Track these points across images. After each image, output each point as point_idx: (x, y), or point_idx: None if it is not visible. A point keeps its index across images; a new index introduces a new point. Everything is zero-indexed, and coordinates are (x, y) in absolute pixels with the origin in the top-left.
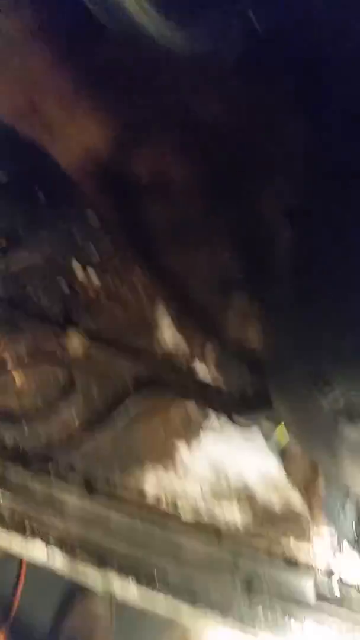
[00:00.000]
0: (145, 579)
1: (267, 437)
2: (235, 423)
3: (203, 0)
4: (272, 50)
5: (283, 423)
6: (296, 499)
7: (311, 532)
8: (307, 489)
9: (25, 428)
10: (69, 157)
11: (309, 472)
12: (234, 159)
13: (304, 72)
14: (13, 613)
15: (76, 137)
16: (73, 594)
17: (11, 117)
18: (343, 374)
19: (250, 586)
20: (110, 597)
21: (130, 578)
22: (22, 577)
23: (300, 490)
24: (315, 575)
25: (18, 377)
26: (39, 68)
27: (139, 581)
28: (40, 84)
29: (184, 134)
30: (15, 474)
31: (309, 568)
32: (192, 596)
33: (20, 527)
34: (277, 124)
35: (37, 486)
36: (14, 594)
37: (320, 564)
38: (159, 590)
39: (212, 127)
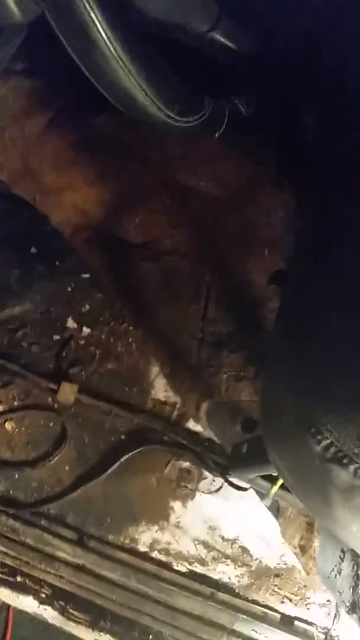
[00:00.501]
0: None
1: (263, 496)
2: (231, 485)
3: (203, 97)
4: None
5: (279, 481)
6: (292, 560)
7: (307, 596)
8: (302, 551)
9: (16, 475)
10: (62, 217)
11: (304, 533)
12: (223, 227)
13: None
14: None
15: (69, 199)
16: None
17: (7, 178)
18: (333, 421)
19: None
20: None
21: None
22: (10, 630)
23: (295, 552)
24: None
25: (9, 425)
26: (35, 133)
27: None
28: (36, 148)
29: (175, 202)
30: (7, 521)
31: (306, 633)
32: None
33: (11, 580)
34: (263, 196)
35: (29, 539)
36: None
37: (318, 629)
38: None
39: (203, 198)
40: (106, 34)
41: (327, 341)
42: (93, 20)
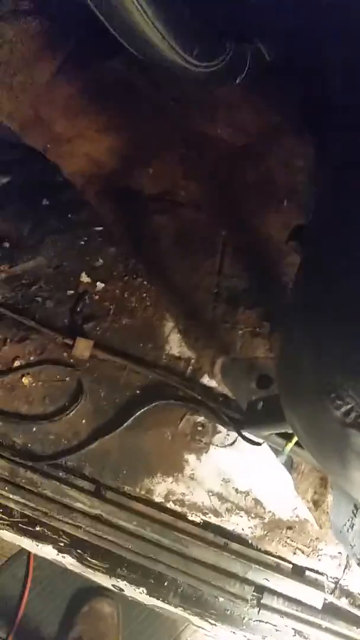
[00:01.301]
0: (157, 591)
1: (277, 452)
2: (245, 440)
3: (224, 40)
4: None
5: (293, 438)
6: (305, 514)
7: (319, 548)
8: (315, 505)
9: (34, 429)
10: (73, 167)
11: (318, 488)
12: (240, 178)
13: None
14: (19, 618)
15: (81, 148)
16: (80, 595)
17: (17, 127)
18: (355, 387)
19: (259, 598)
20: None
21: (141, 589)
22: (29, 581)
23: (309, 506)
24: (324, 590)
25: (26, 380)
26: (45, 78)
27: (150, 593)
28: (46, 94)
29: (190, 151)
30: (25, 473)
31: (317, 582)
32: (202, 608)
33: (31, 529)
34: (282, 145)
35: (47, 490)
36: (20, 599)
37: (329, 579)
38: (170, 603)
39: (220, 147)
40: None
41: (350, 304)
42: None
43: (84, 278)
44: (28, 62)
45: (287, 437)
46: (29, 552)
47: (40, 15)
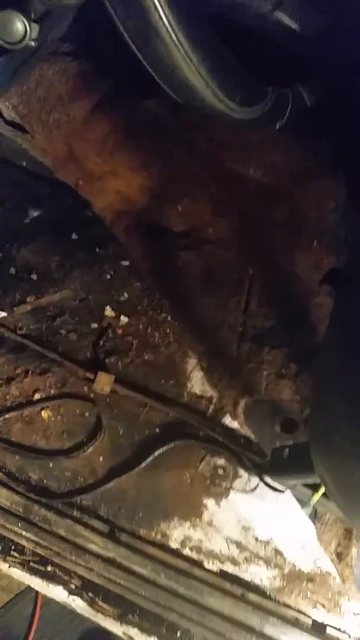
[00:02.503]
0: None
1: (302, 502)
2: (268, 486)
3: (266, 85)
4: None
5: (321, 489)
6: (327, 566)
7: (341, 603)
8: (339, 557)
9: (51, 464)
10: (104, 203)
11: (342, 540)
12: (269, 217)
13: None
14: None
15: (112, 185)
16: (87, 638)
17: (50, 163)
18: None
19: None
20: None
21: (152, 638)
22: (36, 620)
23: (331, 558)
24: None
25: (45, 413)
26: (80, 117)
27: None
28: (81, 132)
29: (221, 190)
30: (39, 510)
31: None
32: None
33: (42, 569)
34: (314, 187)
35: (61, 529)
36: (26, 638)
37: (352, 639)
38: None
39: (250, 186)
40: (168, 20)
41: None
42: (155, 5)
43: (109, 312)
44: (64, 100)
45: (314, 487)
46: (37, 590)
47: (80, 56)
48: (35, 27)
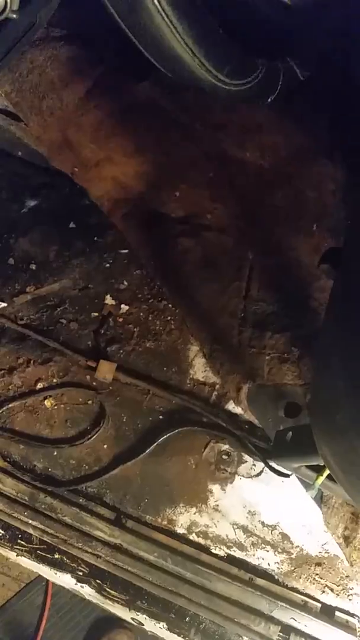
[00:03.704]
0: (178, 626)
1: (307, 485)
2: (272, 471)
3: (256, 58)
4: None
5: (325, 471)
6: (335, 550)
7: (349, 587)
8: (346, 541)
9: (55, 453)
10: (101, 190)
11: (349, 523)
12: (268, 201)
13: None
14: None
15: (108, 172)
16: (98, 625)
17: (45, 151)
18: None
19: (286, 639)
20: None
21: (161, 624)
22: (47, 609)
23: (339, 542)
24: (356, 634)
25: (49, 402)
26: (73, 103)
27: (170, 629)
28: (74, 119)
29: (218, 174)
30: (45, 499)
31: (348, 624)
32: None
33: (50, 557)
34: (312, 169)
35: (67, 517)
36: (37, 627)
37: None
38: None
39: (248, 170)
40: None
41: None
42: None
43: (109, 300)
44: (57, 86)
45: (318, 469)
46: (48, 579)
47: (71, 41)
48: None
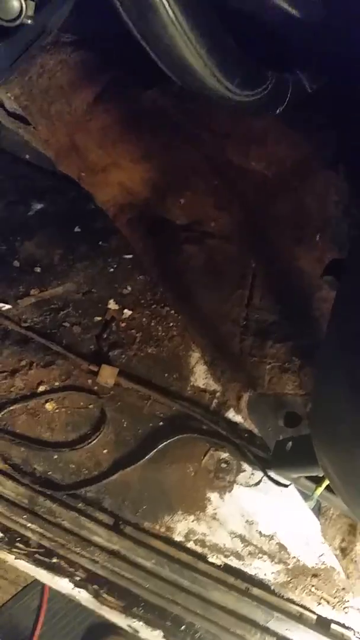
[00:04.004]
0: (174, 634)
1: (306, 496)
2: (271, 480)
3: (266, 70)
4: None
5: (324, 482)
6: (332, 561)
7: (346, 599)
8: (343, 553)
9: (55, 456)
10: (106, 195)
11: (346, 535)
12: (272, 210)
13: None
14: None
15: (115, 177)
16: (94, 631)
17: (53, 155)
18: None
19: None
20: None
21: (157, 632)
22: (42, 613)
23: (336, 553)
24: None
25: (50, 405)
26: (82, 107)
27: (166, 637)
28: (82, 123)
29: (223, 183)
30: (44, 502)
31: (343, 638)
32: None
33: (47, 561)
34: (317, 180)
35: (65, 521)
36: (32, 632)
37: (356, 635)
38: None
39: (253, 179)
40: None
41: None
42: None
43: (112, 305)
44: (66, 91)
45: (317, 480)
46: (44, 583)
47: (81, 47)
48: (31, 4)
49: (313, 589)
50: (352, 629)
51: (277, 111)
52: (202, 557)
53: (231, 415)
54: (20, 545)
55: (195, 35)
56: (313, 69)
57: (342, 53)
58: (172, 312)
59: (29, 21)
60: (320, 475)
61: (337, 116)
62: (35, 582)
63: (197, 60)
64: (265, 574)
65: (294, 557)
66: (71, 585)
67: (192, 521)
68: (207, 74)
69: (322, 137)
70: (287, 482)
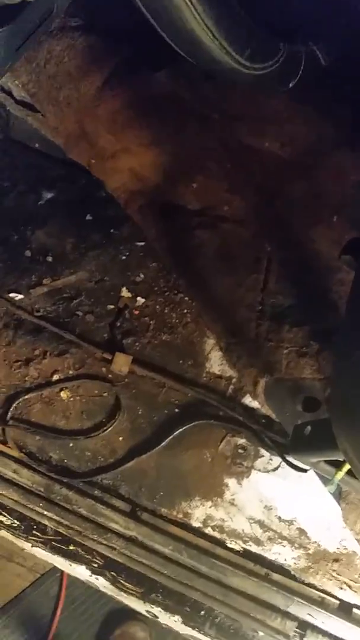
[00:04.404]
0: (192, 620)
1: (326, 480)
2: (290, 466)
3: (278, 41)
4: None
5: (344, 466)
6: (353, 546)
7: None
8: None
9: (71, 444)
10: (117, 182)
11: None
12: (287, 192)
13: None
14: (50, 638)
15: (125, 163)
16: (113, 617)
17: (62, 142)
18: None
19: (302, 635)
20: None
21: (176, 617)
22: (62, 600)
23: (357, 538)
24: None
25: (64, 394)
26: (90, 93)
27: (185, 622)
28: (91, 109)
29: (236, 165)
30: (60, 490)
31: None
32: None
33: (64, 548)
34: (333, 158)
35: (82, 508)
36: (52, 618)
37: None
38: (206, 634)
39: (267, 161)
40: None
41: None
42: None
43: (125, 293)
44: (74, 77)
45: (337, 465)
46: (62, 570)
47: (88, 31)
48: None
49: (334, 574)
50: None
51: (290, 85)
52: (221, 543)
53: (248, 401)
54: (37, 533)
55: (203, 6)
56: (327, 41)
57: (356, 25)
58: (186, 298)
59: None
60: (341, 459)
61: (352, 91)
62: (54, 569)
63: (204, 32)
64: (285, 559)
65: (315, 542)
66: (89, 572)
67: (210, 507)
68: (216, 47)
69: (337, 114)
70: (306, 467)
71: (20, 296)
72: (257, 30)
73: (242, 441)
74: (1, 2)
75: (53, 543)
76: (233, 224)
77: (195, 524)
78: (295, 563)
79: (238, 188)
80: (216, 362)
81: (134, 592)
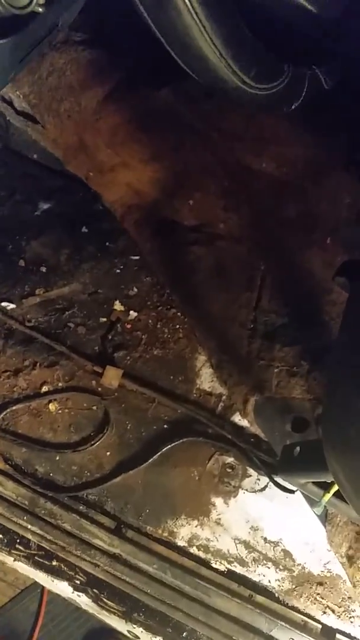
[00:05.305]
0: None
1: (313, 502)
2: (277, 486)
3: (283, 63)
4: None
5: (332, 488)
6: (338, 569)
7: (352, 609)
8: (350, 561)
9: (57, 458)
10: (114, 196)
11: (353, 543)
12: (283, 212)
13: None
14: None
15: (123, 177)
16: (92, 636)
17: (61, 154)
18: None
19: None
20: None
21: (158, 638)
22: (41, 616)
23: (342, 561)
24: None
25: (53, 406)
26: (92, 107)
27: None
28: (91, 123)
29: (233, 184)
30: (45, 504)
31: None
32: None
33: (47, 563)
34: (328, 181)
35: (66, 524)
36: (31, 635)
37: None
38: None
39: (263, 181)
40: None
41: None
42: None
43: (118, 306)
44: (76, 90)
45: (325, 486)
46: (43, 586)
47: (91, 45)
48: None
49: (318, 598)
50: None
51: (292, 107)
52: (205, 563)
53: (237, 419)
54: (20, 547)
55: (211, 25)
56: (330, 64)
57: (357, 51)
58: (179, 314)
59: (40, 9)
60: (329, 481)
61: (350, 117)
62: (35, 585)
63: (212, 51)
64: (269, 581)
65: (299, 564)
66: (71, 588)
67: (196, 526)
68: (222, 66)
69: (334, 139)
70: (293, 488)
71: (13, 306)
72: (264, 50)
73: (230, 460)
74: (10, 12)
75: (36, 558)
76: (228, 242)
77: (181, 543)
78: (279, 585)
79: (234, 206)
80: (207, 379)
81: (115, 611)
